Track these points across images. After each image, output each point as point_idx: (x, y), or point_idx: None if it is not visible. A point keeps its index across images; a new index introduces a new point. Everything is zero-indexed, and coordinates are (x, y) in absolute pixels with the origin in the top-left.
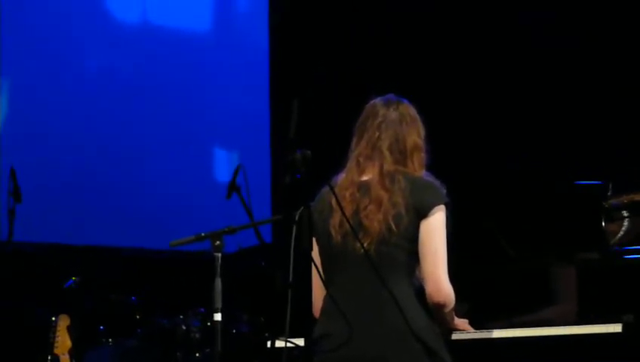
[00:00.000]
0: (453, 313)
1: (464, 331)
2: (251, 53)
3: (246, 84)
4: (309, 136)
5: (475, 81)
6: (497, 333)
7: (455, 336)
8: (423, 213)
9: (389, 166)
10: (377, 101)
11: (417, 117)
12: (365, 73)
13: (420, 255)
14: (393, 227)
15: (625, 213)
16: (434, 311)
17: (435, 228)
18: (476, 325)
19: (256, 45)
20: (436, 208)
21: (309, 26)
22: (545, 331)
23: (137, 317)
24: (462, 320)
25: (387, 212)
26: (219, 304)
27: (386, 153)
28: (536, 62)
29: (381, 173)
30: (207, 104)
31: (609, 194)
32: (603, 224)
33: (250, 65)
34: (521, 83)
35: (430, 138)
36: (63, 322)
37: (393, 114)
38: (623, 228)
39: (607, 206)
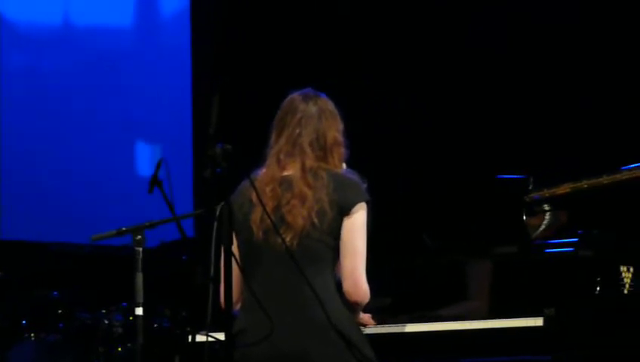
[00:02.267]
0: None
1: (371, 325)
2: (173, 47)
3: (168, 78)
4: (230, 131)
5: (395, 72)
6: (411, 327)
7: (369, 330)
8: (345, 210)
9: (311, 162)
10: (295, 96)
11: (336, 111)
12: (284, 68)
13: (341, 252)
14: (317, 222)
15: (546, 207)
16: (347, 306)
17: (356, 227)
18: (395, 318)
19: (178, 40)
20: (358, 206)
21: (230, 21)
22: (466, 325)
23: (59, 311)
24: (366, 314)
25: (311, 208)
26: (140, 298)
27: (308, 150)
28: (459, 57)
29: (303, 169)
30: (129, 98)
31: (530, 188)
32: (524, 218)
33: (173, 59)
34: (444, 76)
35: (350, 132)
36: None
37: (312, 109)
38: (545, 222)
39: (528, 200)
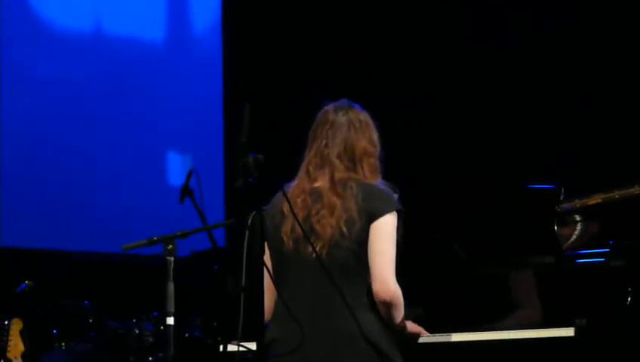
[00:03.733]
0: (403, 316)
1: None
2: (205, 57)
3: (199, 87)
4: (263, 140)
5: (424, 85)
6: (441, 338)
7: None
8: (374, 217)
9: (340, 174)
10: (328, 107)
11: (369, 121)
12: (320, 77)
13: (369, 255)
14: (345, 231)
15: (577, 218)
16: (383, 312)
17: (384, 229)
18: (425, 329)
19: (210, 50)
20: (387, 214)
21: (262, 30)
22: (496, 335)
23: (90, 321)
24: (416, 326)
25: (339, 217)
26: (171, 308)
27: (336, 161)
28: (486, 65)
29: (332, 181)
30: (161, 107)
31: (562, 198)
32: (555, 228)
33: (204, 69)
34: (472, 86)
35: (383, 144)
36: (16, 326)
37: (341, 119)
38: (576, 233)
39: (559, 210)
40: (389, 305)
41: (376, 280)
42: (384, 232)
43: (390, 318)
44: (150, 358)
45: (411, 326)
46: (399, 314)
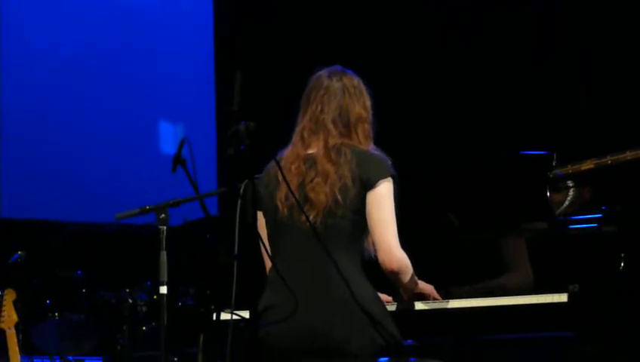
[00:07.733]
0: (416, 278)
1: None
2: (196, 24)
3: (191, 56)
4: (255, 108)
5: (418, 53)
6: (432, 305)
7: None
8: (369, 185)
9: (334, 139)
10: (322, 73)
11: (362, 87)
12: (313, 43)
13: (370, 226)
14: (340, 199)
15: (570, 183)
16: (392, 280)
17: (382, 197)
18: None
19: (201, 17)
20: (382, 180)
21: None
22: (488, 301)
23: (83, 290)
24: (427, 285)
25: (334, 184)
26: (164, 277)
27: (330, 126)
28: (478, 35)
29: (326, 147)
30: (153, 76)
31: (554, 164)
32: (548, 194)
33: (195, 37)
34: (463, 53)
35: (376, 111)
36: (9, 296)
37: (336, 85)
38: (568, 198)
39: (552, 176)
40: (396, 273)
41: (380, 250)
42: (382, 200)
43: (401, 284)
44: (144, 327)
45: (424, 287)
46: (408, 277)
